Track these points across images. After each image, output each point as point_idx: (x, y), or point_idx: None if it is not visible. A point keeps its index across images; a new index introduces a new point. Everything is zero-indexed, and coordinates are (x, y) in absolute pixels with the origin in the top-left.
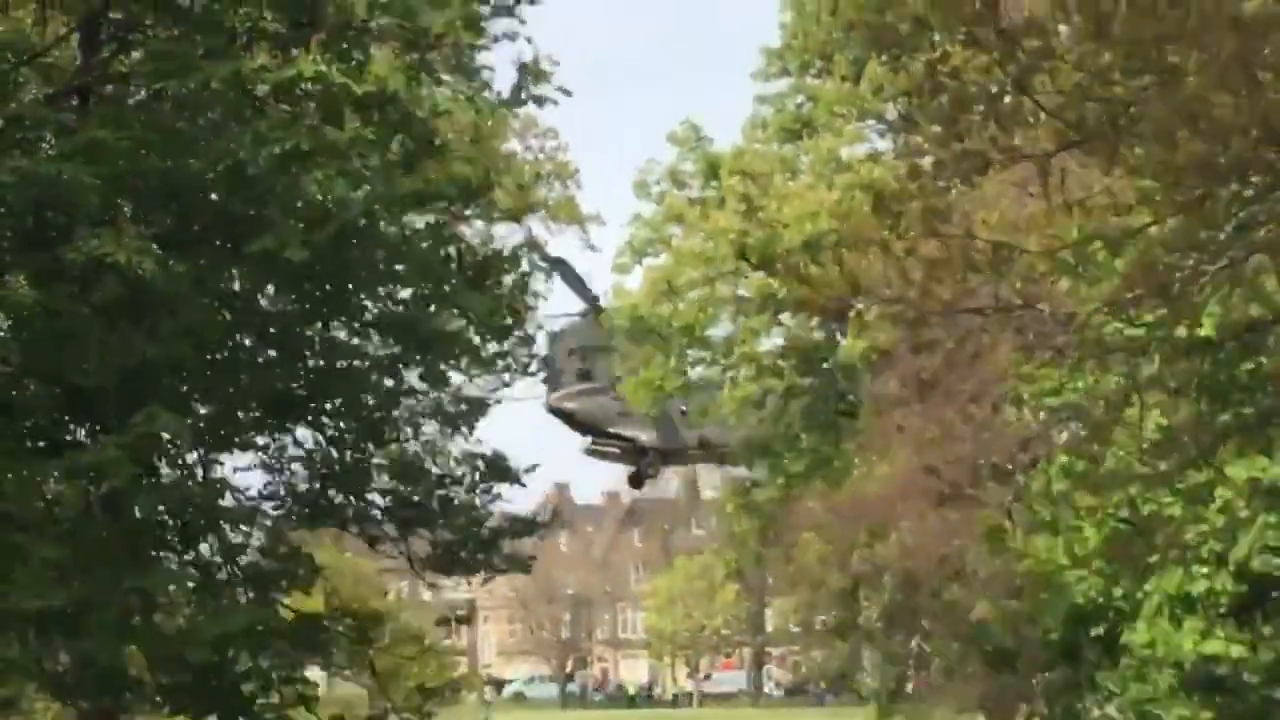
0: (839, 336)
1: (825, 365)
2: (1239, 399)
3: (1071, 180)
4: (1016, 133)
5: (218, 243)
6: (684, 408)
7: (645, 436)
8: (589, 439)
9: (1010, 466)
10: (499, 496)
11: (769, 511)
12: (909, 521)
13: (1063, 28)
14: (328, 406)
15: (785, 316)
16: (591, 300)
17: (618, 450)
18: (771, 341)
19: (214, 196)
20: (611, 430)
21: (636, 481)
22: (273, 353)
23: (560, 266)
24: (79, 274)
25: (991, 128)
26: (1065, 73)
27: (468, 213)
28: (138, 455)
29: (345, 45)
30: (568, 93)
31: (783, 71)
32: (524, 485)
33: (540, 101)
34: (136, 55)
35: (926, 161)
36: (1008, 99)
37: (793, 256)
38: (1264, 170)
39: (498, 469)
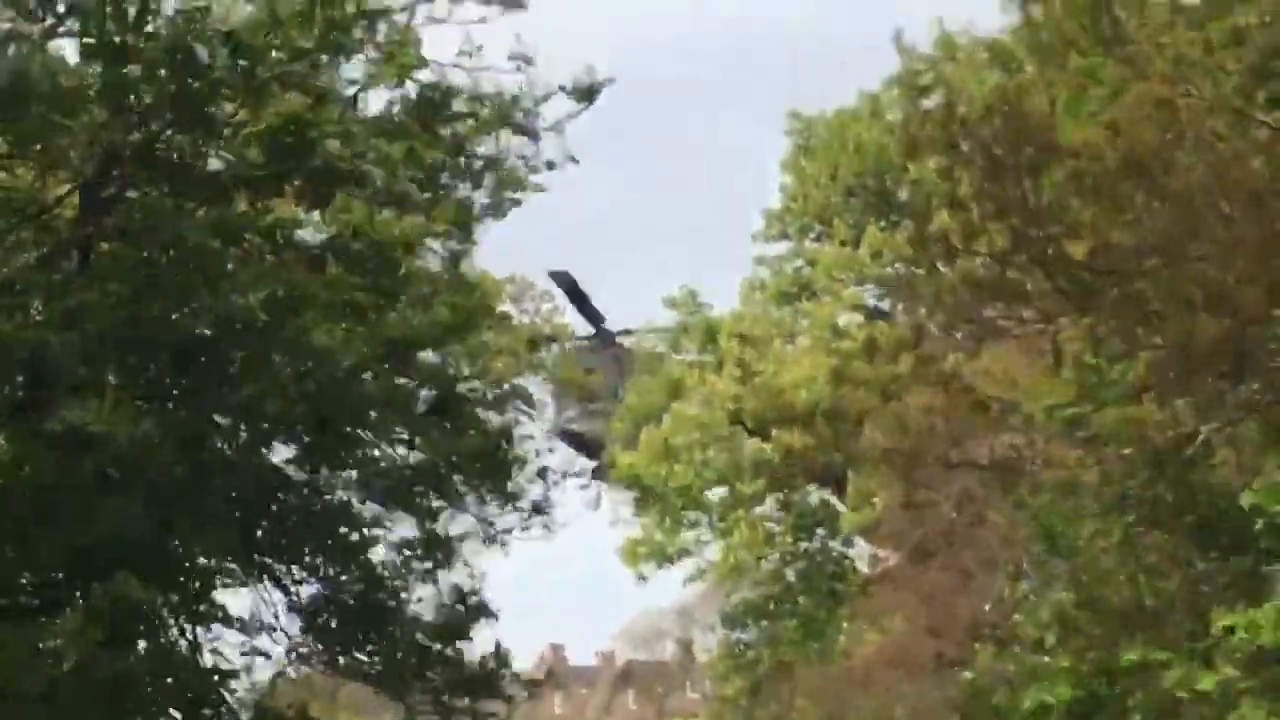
0: (836, 504)
1: (822, 531)
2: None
3: (1068, 336)
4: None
5: (204, 396)
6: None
7: None
8: (596, 462)
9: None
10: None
11: (761, 673)
12: (907, 686)
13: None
14: (309, 559)
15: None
16: (597, 321)
17: None
18: (768, 507)
19: (200, 347)
20: None
21: None
22: (261, 504)
23: (566, 284)
24: (62, 442)
25: (998, 303)
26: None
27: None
28: (113, 622)
29: (324, 191)
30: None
31: (782, 234)
32: (496, 618)
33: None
34: (136, 215)
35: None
36: (1012, 273)
37: (790, 422)
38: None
39: (475, 608)
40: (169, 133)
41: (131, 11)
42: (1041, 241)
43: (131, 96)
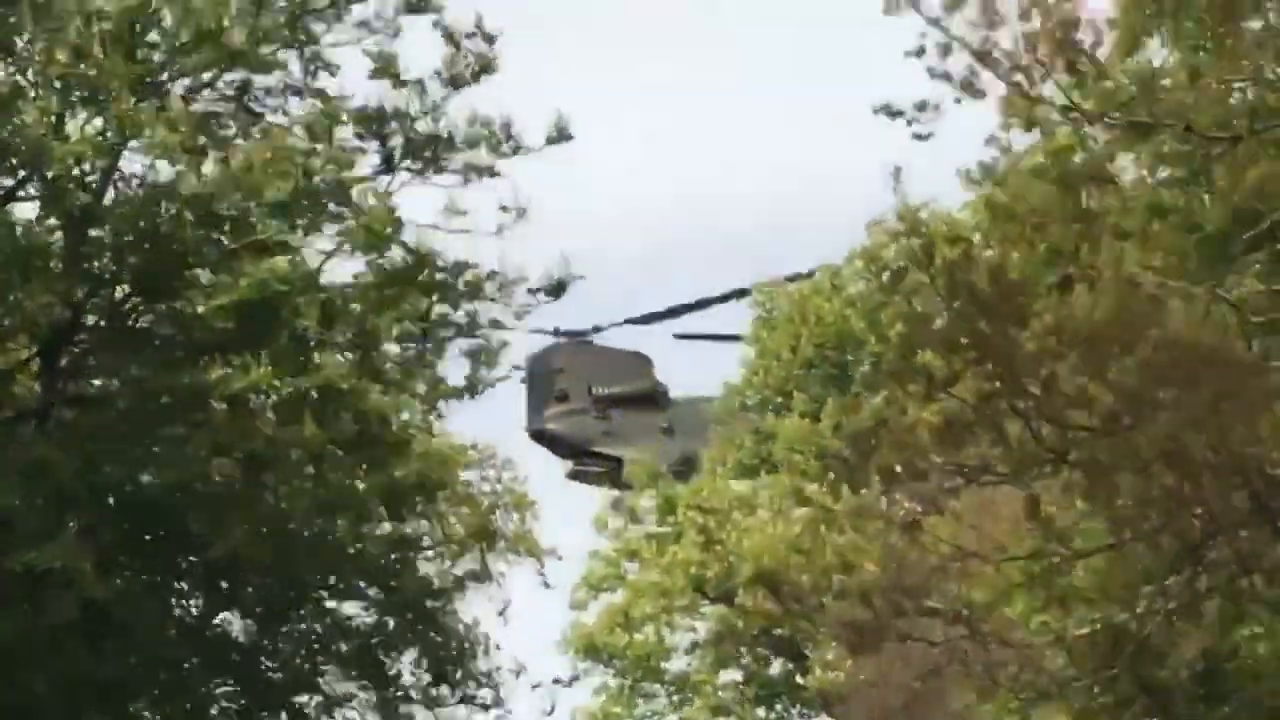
0: (797, 676)
1: (782, 703)
2: None
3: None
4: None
5: (170, 556)
6: (666, 424)
7: (630, 455)
8: (571, 462)
9: None
10: None
11: None
12: None
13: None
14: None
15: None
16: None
17: (602, 469)
18: (729, 676)
19: (158, 511)
20: (595, 449)
21: (622, 505)
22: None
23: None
24: (29, 592)
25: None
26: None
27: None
28: None
29: (298, 354)
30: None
31: (742, 407)
32: None
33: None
34: (96, 381)
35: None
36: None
37: (750, 590)
38: (1231, 512)
39: None
40: (134, 299)
41: (93, 177)
42: (1020, 389)
43: (95, 262)
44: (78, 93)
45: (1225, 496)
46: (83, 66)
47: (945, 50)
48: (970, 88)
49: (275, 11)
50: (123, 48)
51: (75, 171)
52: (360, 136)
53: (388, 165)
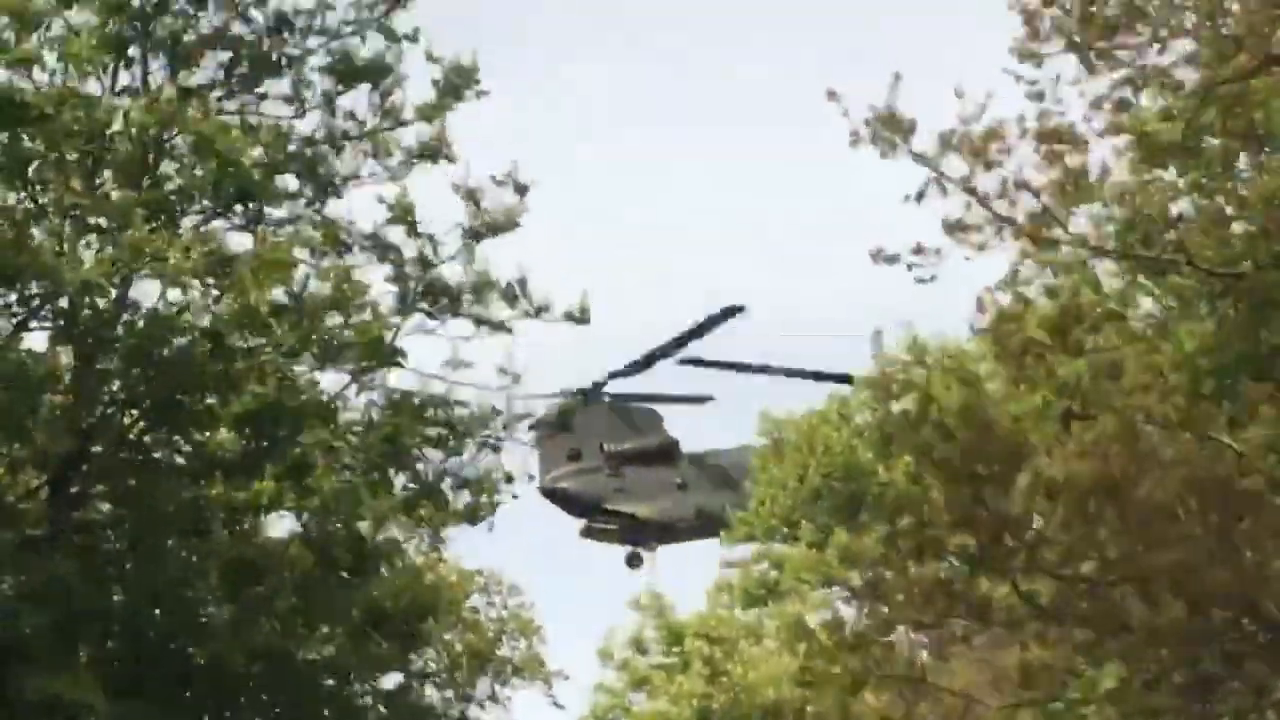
0: None
1: None
2: None
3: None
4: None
5: (175, 689)
6: (679, 480)
7: (643, 511)
8: (585, 520)
9: None
10: None
11: None
12: None
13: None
14: None
15: None
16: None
17: (615, 528)
18: None
19: (163, 646)
20: (608, 507)
21: (635, 562)
22: None
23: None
24: (34, 713)
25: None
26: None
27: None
28: None
29: (299, 471)
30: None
31: (749, 536)
32: None
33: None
34: (105, 506)
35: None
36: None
37: None
38: (1240, 640)
39: None
40: (142, 424)
41: (105, 305)
42: (1008, 552)
43: (105, 390)
44: (90, 220)
45: (1236, 627)
46: (96, 194)
47: (942, 190)
48: (965, 229)
49: (291, 142)
50: (136, 176)
51: (87, 299)
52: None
53: (402, 304)
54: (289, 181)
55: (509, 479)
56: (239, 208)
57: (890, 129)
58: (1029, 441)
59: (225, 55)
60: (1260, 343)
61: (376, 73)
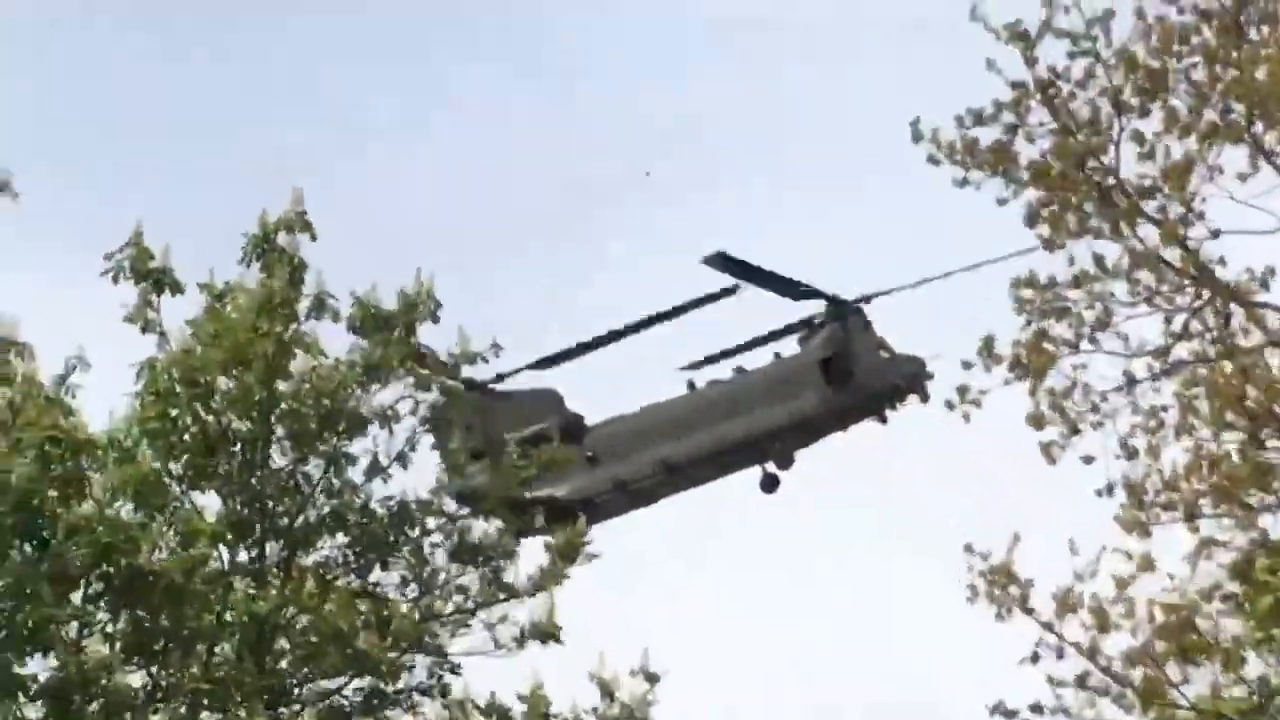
0: None
1: None
2: None
3: None
4: None
5: None
6: (590, 453)
7: (561, 493)
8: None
9: None
10: None
11: None
12: None
13: None
14: None
15: None
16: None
17: (541, 514)
18: None
19: None
20: (526, 497)
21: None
22: None
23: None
24: None
25: None
26: None
27: None
28: None
29: None
30: None
31: None
32: None
33: None
34: None
35: None
36: None
37: None
38: None
39: None
40: None
41: None
42: None
43: None
44: (206, 701)
45: None
46: (216, 674)
47: (1059, 654)
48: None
49: (401, 617)
50: (253, 657)
51: None
52: None
53: None
54: (407, 659)
55: None
56: (355, 684)
57: (1005, 586)
58: None
59: (344, 537)
60: None
61: (493, 551)
